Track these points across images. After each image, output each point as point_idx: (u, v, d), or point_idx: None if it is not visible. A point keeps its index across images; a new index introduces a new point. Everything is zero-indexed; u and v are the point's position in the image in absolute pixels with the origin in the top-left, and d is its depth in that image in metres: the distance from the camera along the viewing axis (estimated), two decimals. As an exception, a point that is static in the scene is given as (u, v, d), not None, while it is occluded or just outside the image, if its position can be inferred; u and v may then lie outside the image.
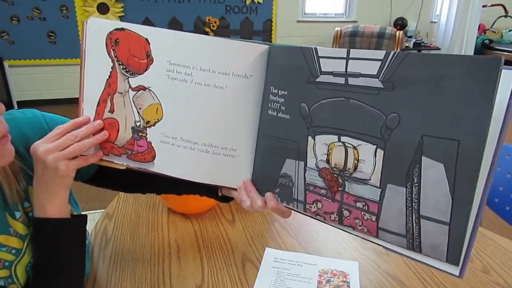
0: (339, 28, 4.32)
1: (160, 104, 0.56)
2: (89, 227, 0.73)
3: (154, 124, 0.57)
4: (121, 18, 4.17)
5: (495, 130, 0.37)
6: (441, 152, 0.40)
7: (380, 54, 0.42)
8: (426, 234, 0.43)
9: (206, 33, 2.91)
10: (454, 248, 0.41)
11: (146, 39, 0.55)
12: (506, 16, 4.89)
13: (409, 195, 0.43)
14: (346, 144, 0.47)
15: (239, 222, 0.93)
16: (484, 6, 4.71)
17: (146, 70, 0.55)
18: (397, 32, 4.01)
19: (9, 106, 4.02)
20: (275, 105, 0.53)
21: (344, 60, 0.45)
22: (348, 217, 0.49)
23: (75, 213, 0.65)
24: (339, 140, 0.47)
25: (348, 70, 0.45)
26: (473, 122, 0.37)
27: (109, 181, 0.74)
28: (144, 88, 0.56)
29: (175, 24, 4.37)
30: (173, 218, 0.94)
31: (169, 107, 0.56)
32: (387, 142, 0.43)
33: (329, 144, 0.48)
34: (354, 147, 0.46)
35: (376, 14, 4.87)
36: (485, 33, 5.04)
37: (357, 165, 0.46)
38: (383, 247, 0.47)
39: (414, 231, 0.44)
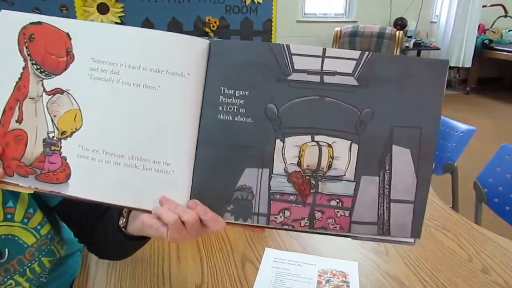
0: (339, 28, 4.32)
1: (80, 110, 0.47)
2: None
3: (70, 135, 0.47)
4: (121, 18, 4.17)
5: None
6: (408, 139, 0.46)
7: (356, 54, 0.46)
8: (395, 216, 0.47)
9: (206, 34, 2.90)
10: (417, 223, 0.47)
11: (67, 33, 0.47)
12: (506, 16, 4.89)
13: (382, 182, 0.47)
14: (321, 143, 0.47)
15: (239, 222, 0.93)
16: (484, 6, 4.71)
17: (65, 69, 0.47)
18: (397, 32, 4.02)
19: (9, 106, 4.04)
20: (231, 108, 0.48)
21: (320, 59, 0.46)
22: (320, 219, 0.48)
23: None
24: (313, 140, 0.47)
25: (324, 68, 0.46)
26: (430, 111, 0.46)
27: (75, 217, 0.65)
28: (61, 91, 0.47)
29: (175, 24, 4.36)
30: (173, 218, 0.94)
31: (90, 113, 0.47)
32: (361, 136, 0.47)
33: (301, 146, 0.47)
34: (329, 145, 0.47)
35: (376, 14, 4.87)
36: (485, 33, 5.04)
37: (331, 163, 0.47)
38: (352, 237, 0.48)
39: (385, 216, 0.47)
